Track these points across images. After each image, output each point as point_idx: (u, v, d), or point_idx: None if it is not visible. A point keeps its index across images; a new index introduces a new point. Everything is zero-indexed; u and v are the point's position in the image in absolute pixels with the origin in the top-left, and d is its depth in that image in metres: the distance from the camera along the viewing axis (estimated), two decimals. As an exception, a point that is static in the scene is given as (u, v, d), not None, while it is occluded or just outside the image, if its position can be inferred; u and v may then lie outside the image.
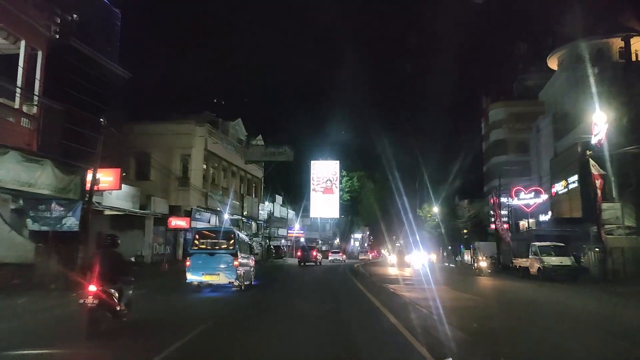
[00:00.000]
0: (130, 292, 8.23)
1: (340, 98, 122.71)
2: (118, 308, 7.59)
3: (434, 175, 60.54)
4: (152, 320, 9.60)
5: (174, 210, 28.76)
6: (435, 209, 58.94)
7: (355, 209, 74.17)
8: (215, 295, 14.19)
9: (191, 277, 14.09)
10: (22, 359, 6.58)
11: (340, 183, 71.61)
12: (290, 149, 37.90)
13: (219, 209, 32.99)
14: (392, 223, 73.05)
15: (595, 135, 23.15)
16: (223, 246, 14.57)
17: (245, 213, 39.03)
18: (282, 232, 60.88)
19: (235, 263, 14.08)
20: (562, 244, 24.18)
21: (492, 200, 38.05)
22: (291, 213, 67.71)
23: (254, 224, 43.13)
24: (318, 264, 39.49)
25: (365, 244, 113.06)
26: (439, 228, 59.68)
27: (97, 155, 16.49)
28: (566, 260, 22.81)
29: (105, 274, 7.40)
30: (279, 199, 63.93)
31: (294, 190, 68.93)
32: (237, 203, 38.02)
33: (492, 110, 62.31)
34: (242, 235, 18.18)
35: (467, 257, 51.98)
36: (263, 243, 44.64)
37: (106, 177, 20.10)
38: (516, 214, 39.06)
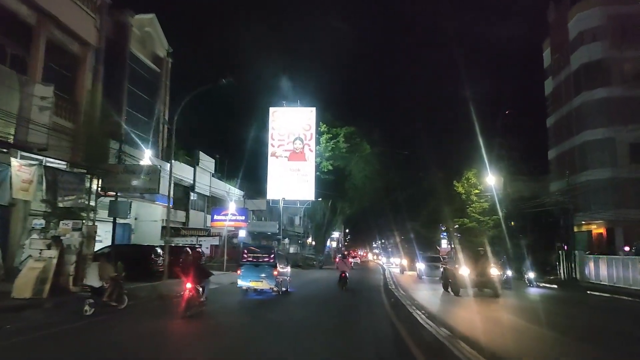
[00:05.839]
0: (207, 290, 12.33)
1: (325, 10, 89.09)
2: (201, 299, 11.73)
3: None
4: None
5: None
6: (491, 180, 33.06)
7: (341, 188, 46.27)
8: (260, 297, 17.25)
9: (241, 282, 17.39)
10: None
11: (318, 144, 44.65)
12: None
13: None
14: (402, 209, 47.64)
15: None
16: (265, 259, 17.67)
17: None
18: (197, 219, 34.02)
19: (275, 272, 17.23)
20: None
21: None
22: (239, 192, 40.85)
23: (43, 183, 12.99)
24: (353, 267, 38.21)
25: (340, 245, 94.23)
26: (494, 214, 33.97)
27: None
28: None
29: (196, 276, 11.54)
30: (208, 164, 37.31)
31: (241, 155, 42.68)
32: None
33: (576, 16, 37.18)
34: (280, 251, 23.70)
35: (589, 270, 26.60)
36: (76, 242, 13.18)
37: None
38: None
